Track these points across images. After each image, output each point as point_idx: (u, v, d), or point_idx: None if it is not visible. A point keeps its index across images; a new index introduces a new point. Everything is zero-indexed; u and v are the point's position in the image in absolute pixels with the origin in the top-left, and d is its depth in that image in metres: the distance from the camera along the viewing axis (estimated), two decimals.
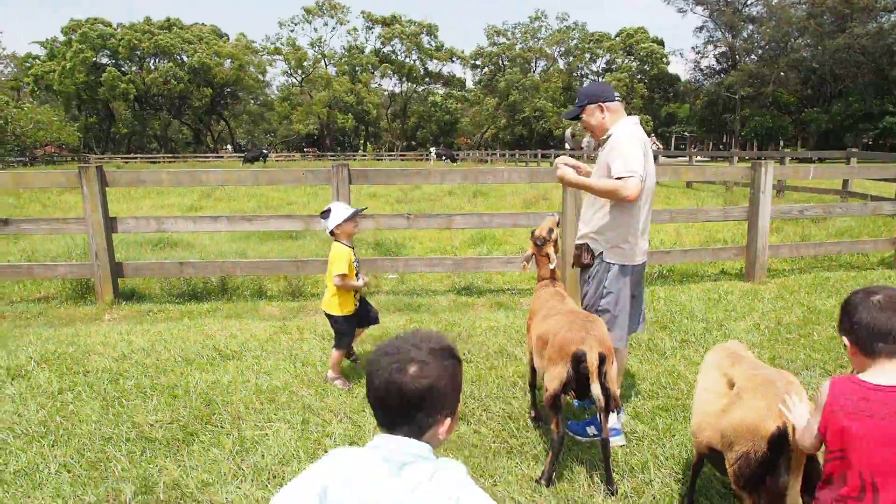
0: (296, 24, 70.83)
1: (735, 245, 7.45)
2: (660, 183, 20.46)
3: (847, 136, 54.55)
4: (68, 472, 3.10)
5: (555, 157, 36.07)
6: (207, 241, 10.06)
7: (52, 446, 3.34)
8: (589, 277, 3.46)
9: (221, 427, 3.58)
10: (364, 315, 4.37)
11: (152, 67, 61.67)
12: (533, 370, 3.59)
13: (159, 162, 50.73)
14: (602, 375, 2.80)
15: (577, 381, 2.85)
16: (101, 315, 5.99)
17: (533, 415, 3.63)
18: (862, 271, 7.48)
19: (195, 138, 71.56)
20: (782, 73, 55.55)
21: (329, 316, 4.23)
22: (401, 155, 62.13)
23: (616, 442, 3.26)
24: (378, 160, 58.34)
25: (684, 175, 7.00)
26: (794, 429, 2.05)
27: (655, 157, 25.01)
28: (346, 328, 4.21)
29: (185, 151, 65.45)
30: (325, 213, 4.13)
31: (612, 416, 3.35)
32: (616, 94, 3.46)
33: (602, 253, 3.40)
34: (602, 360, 2.79)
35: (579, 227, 3.61)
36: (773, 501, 2.14)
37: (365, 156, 64.82)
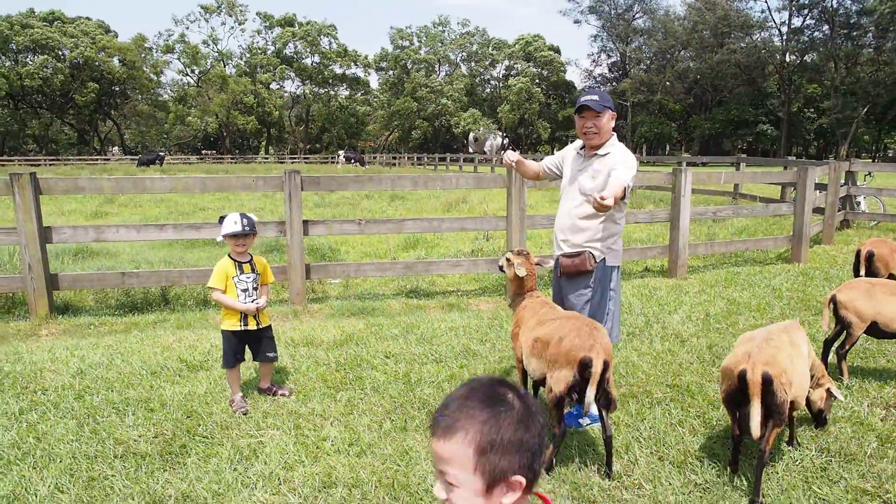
0: (192, 22, 67.87)
1: (659, 245, 8.07)
2: None
3: (725, 141, 59.34)
4: (62, 493, 2.99)
5: (463, 161, 36.85)
6: (128, 248, 9.61)
7: (35, 469, 3.20)
8: (592, 282, 3.68)
9: (211, 438, 3.55)
10: (257, 349, 4.11)
11: (28, 62, 56.85)
12: (524, 374, 3.55)
13: (41, 165, 46.92)
14: (605, 382, 2.99)
15: (581, 384, 2.97)
16: (37, 330, 5.64)
17: None
18: (765, 266, 8.32)
19: (80, 139, 66.73)
20: (668, 83, 59.47)
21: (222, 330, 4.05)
22: (304, 158, 60.90)
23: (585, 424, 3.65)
24: (280, 163, 56.93)
25: None
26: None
27: None
28: (225, 345, 4.00)
29: (69, 153, 60.90)
30: (220, 220, 4.00)
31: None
32: None
33: (604, 259, 3.66)
34: (605, 367, 2.96)
35: (565, 236, 3.76)
36: (741, 423, 2.98)
37: (267, 158, 63.01)
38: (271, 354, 4.17)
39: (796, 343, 3.13)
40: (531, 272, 3.72)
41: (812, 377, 3.31)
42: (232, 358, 4.00)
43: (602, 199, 3.07)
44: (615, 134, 3.73)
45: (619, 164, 3.53)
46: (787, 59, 53.28)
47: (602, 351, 2.96)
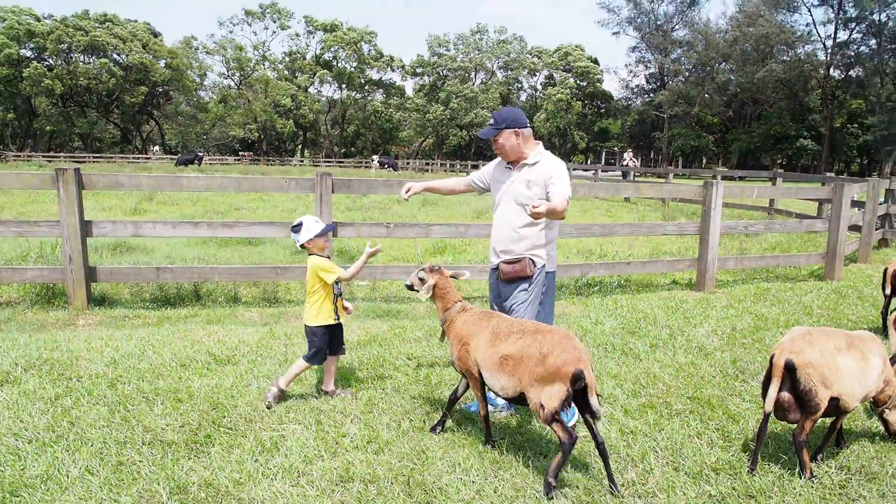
0: (235, 25, 69.48)
1: (687, 257, 7.99)
2: (599, 197, 21.30)
3: (764, 156, 58.16)
4: (92, 475, 3.12)
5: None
6: (164, 245, 9.89)
7: (68, 451, 3.34)
8: (528, 286, 3.85)
9: (235, 429, 3.66)
10: (337, 343, 4.21)
11: (81, 64, 58.64)
12: (463, 388, 3.62)
13: (86, 161, 48.41)
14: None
15: (573, 396, 3.01)
16: (74, 320, 5.86)
17: (491, 445, 3.52)
18: (797, 282, 8.17)
19: (123, 138, 68.61)
20: (707, 95, 58.58)
21: (308, 329, 4.10)
22: (339, 162, 61.61)
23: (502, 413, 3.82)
24: (315, 166, 57.67)
25: (645, 192, 7.49)
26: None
27: (626, 175, 25.92)
28: (321, 341, 4.06)
29: (112, 151, 62.69)
30: (297, 228, 4.08)
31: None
32: (528, 121, 3.90)
33: (544, 265, 3.86)
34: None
35: (505, 247, 3.88)
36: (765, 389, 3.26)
37: (302, 161, 63.89)
38: (344, 346, 4.31)
39: (860, 350, 3.26)
40: (443, 287, 3.67)
41: (889, 397, 3.44)
42: (325, 353, 4.11)
43: (534, 206, 3.38)
44: (533, 142, 3.88)
45: (554, 177, 3.71)
46: (832, 74, 52.05)
47: (588, 360, 3.03)
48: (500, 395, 3.32)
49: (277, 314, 6.26)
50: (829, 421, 3.47)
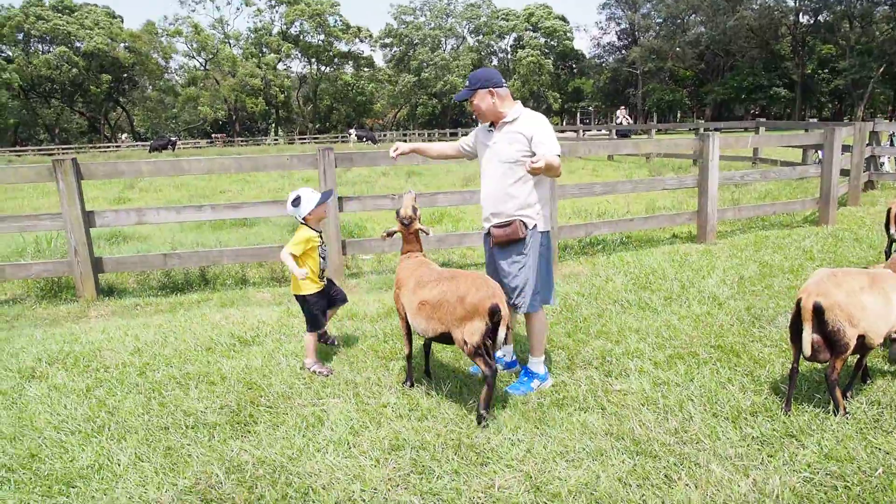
0: (197, 3, 67.61)
1: (688, 211, 8.08)
2: (582, 157, 21.34)
3: (738, 107, 58.46)
4: (143, 462, 3.14)
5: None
6: (158, 232, 9.77)
7: (113, 440, 3.34)
8: (525, 250, 3.72)
9: (276, 407, 3.68)
10: (330, 297, 4.40)
11: (41, 53, 56.69)
12: (409, 331, 3.83)
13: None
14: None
15: (493, 329, 3.34)
16: (86, 312, 5.80)
17: (409, 385, 3.87)
18: (793, 229, 8.32)
19: (90, 127, 66.91)
20: (679, 49, 58.47)
21: (299, 297, 4.22)
22: (314, 138, 60.78)
23: (547, 384, 3.87)
24: (291, 144, 56.86)
25: (643, 148, 7.52)
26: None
27: (626, 134, 25.59)
28: (316, 307, 4.20)
29: (80, 142, 61.15)
30: (296, 202, 4.10)
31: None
32: (503, 80, 3.81)
33: (535, 225, 3.72)
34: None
35: (495, 209, 3.76)
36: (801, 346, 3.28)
37: (277, 140, 62.97)
38: (343, 292, 4.56)
39: (882, 288, 3.32)
40: (403, 237, 3.96)
41: None
42: (323, 317, 4.27)
43: (533, 163, 3.32)
44: (511, 100, 3.80)
45: (539, 134, 3.60)
46: (801, 20, 52.20)
47: (501, 296, 3.36)
48: (422, 335, 3.69)
49: (289, 293, 6.23)
50: (853, 359, 3.58)
